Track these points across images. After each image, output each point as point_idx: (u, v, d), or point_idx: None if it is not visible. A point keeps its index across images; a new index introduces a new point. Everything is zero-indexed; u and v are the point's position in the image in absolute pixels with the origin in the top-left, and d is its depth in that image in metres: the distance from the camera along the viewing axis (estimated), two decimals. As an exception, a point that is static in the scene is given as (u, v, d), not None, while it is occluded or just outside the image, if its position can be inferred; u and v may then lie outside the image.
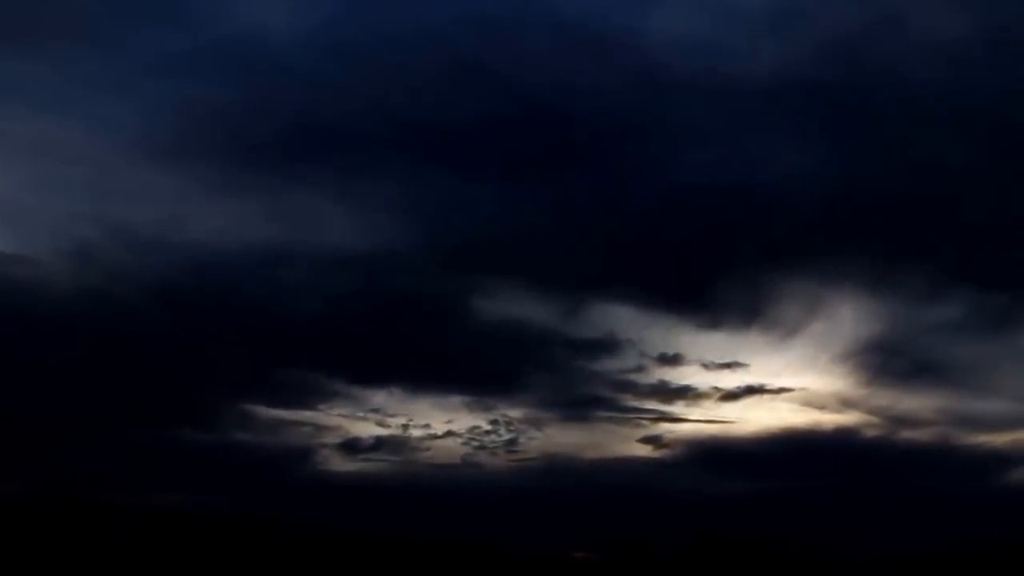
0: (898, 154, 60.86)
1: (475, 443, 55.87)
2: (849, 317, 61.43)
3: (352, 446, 55.09)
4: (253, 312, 58.20)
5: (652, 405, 57.41)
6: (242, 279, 59.04)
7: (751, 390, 57.79)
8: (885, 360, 60.41)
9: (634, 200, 63.75)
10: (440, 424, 56.49)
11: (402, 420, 56.25)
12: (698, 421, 57.33)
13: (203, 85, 61.09)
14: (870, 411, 58.49)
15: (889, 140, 60.94)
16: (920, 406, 58.72)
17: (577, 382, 59.57)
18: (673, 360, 58.66)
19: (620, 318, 61.64)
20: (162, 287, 57.40)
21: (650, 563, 43.75)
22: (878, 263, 61.69)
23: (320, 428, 55.45)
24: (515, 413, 57.33)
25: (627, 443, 57.76)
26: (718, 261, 63.36)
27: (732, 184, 60.84)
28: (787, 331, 61.12)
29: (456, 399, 58.11)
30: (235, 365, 55.79)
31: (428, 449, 55.86)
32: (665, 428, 56.85)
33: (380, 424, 56.09)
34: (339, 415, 56.10)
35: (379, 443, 55.47)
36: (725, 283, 63.38)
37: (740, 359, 59.15)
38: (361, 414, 56.22)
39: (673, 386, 57.65)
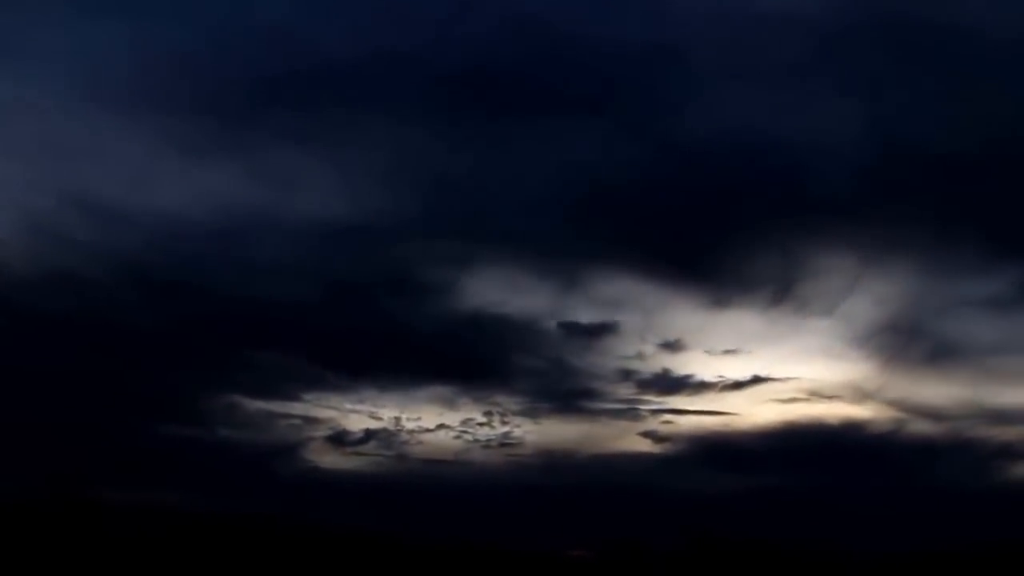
0: (953, 107, 53.34)
1: (468, 436, 54.40)
2: (877, 295, 56.54)
3: (340, 439, 53.43)
4: (231, 292, 55.02)
5: (652, 396, 55.77)
6: (217, 254, 55.48)
7: (758, 379, 55.69)
8: (908, 344, 56.23)
9: (641, 157, 57.54)
10: (432, 416, 54.96)
11: (392, 412, 54.68)
12: (700, 413, 55.72)
13: (166, 27, 55.48)
14: (885, 402, 55.53)
15: (944, 90, 53.74)
16: (939, 395, 55.19)
17: (573, 371, 57.81)
18: (675, 346, 56.74)
19: (620, 298, 58.99)
20: (129, 265, 53.36)
21: (647, 562, 42.58)
22: (919, 233, 55.62)
23: (307, 420, 53.75)
24: (509, 404, 55.89)
25: (625, 437, 56.31)
26: (733, 229, 57.72)
27: (753, 139, 54.59)
28: (804, 311, 57.56)
29: (448, 389, 56.63)
30: (213, 352, 53.27)
31: (420, 443, 54.35)
32: (665, 421, 55.31)
33: (371, 416, 54.55)
34: (326, 406, 54.29)
35: (368, 436, 53.85)
36: (739, 256, 58.24)
37: (748, 344, 56.95)
38: (350, 406, 54.51)
39: (674, 375, 55.89)
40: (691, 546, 43.21)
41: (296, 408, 54.20)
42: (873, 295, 57.05)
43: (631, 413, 55.44)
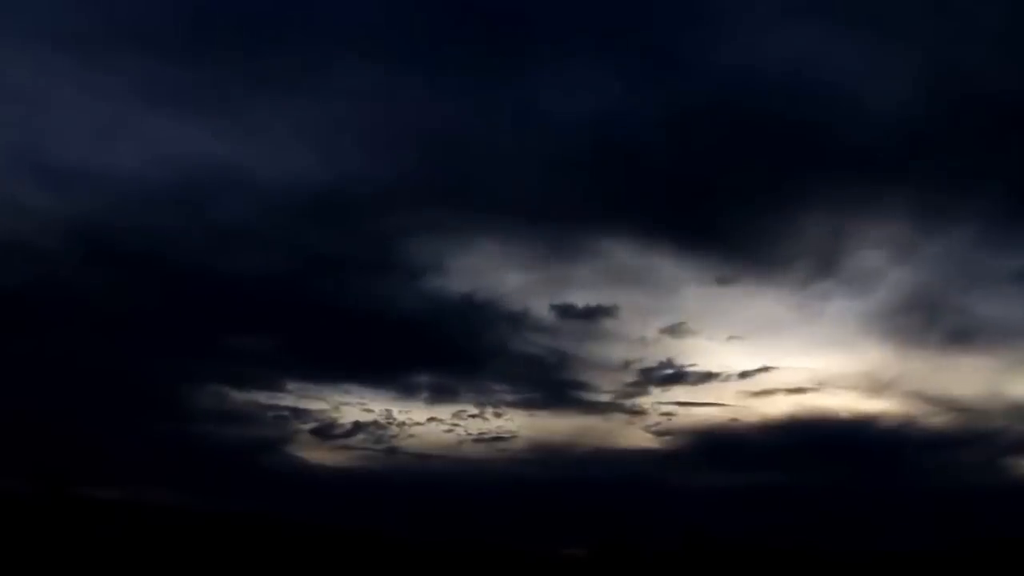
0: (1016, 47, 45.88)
1: (460, 429, 52.13)
2: (913, 269, 51.88)
3: (327, 432, 50.61)
4: (203, 267, 51.34)
5: (652, 387, 53.59)
6: (185, 222, 51.36)
7: (766, 368, 52.97)
8: (931, 326, 51.96)
9: (650, 109, 50.64)
10: (422, 409, 52.59)
11: (382, 404, 52.10)
12: (703, 405, 53.50)
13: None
14: (899, 392, 52.54)
15: (1012, 26, 46.24)
16: (958, 384, 51.82)
17: (568, 360, 55.42)
18: (679, 331, 54.11)
19: (620, 275, 55.67)
20: (89, 235, 49.14)
21: (643, 562, 41.05)
22: (976, 195, 48.96)
23: (295, 412, 50.77)
24: (502, 395, 53.73)
25: (624, 431, 54.28)
26: (752, 193, 51.64)
27: (783, 86, 47.33)
28: (827, 291, 53.75)
29: (438, 379, 54.44)
30: (188, 335, 49.42)
31: (411, 436, 51.87)
32: (666, 414, 53.17)
33: (361, 408, 51.94)
34: (315, 397, 51.35)
35: (357, 428, 51.18)
36: (756, 224, 53.22)
37: (757, 329, 55.01)
38: (339, 398, 51.68)
39: (677, 364, 53.47)
40: (688, 546, 42.04)
41: (284, 399, 51.51)
42: (910, 270, 52.50)
43: (630, 406, 53.46)
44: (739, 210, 53.78)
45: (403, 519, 42.61)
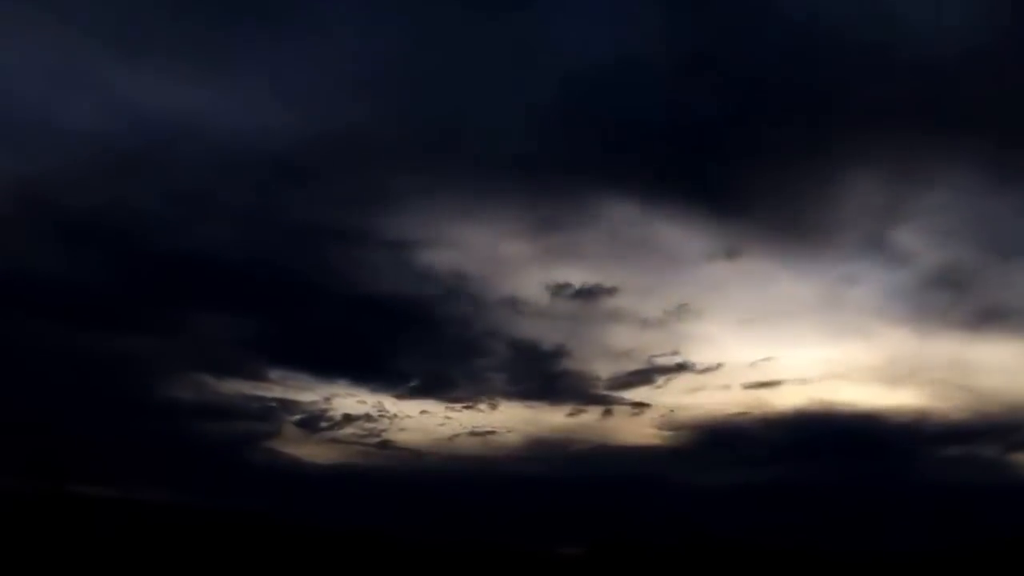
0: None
1: (454, 422, 50.82)
2: (951, 239, 47.71)
3: (315, 424, 49.27)
4: (168, 241, 48.23)
5: (655, 376, 51.69)
6: (144, 183, 48.25)
7: (773, 358, 51.04)
8: (961, 302, 47.96)
9: (661, 55, 47.53)
10: (414, 402, 51.14)
11: (372, 396, 50.62)
12: (708, 397, 51.85)
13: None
14: (918, 382, 50.70)
15: None
16: (978, 372, 49.66)
17: (566, 349, 53.47)
18: (683, 313, 51.76)
19: (621, 249, 52.65)
20: (41, 199, 45.84)
21: (642, 561, 40.15)
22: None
23: (282, 404, 49.24)
24: (496, 384, 52.35)
25: (623, 426, 52.93)
26: (776, 150, 47.91)
27: (821, 16, 43.35)
28: (851, 268, 49.80)
29: (430, 368, 52.76)
30: (163, 318, 46.85)
31: (403, 429, 50.60)
32: (669, 408, 51.64)
33: (353, 399, 50.41)
34: (303, 388, 49.85)
35: (347, 420, 49.92)
36: (776, 188, 49.22)
37: (768, 309, 52.25)
38: (328, 389, 50.28)
39: (680, 353, 51.69)
40: (689, 545, 41.22)
41: (272, 390, 49.78)
42: (951, 243, 48.42)
43: (630, 398, 51.95)
44: (757, 173, 50.92)
45: (396, 517, 41.84)
